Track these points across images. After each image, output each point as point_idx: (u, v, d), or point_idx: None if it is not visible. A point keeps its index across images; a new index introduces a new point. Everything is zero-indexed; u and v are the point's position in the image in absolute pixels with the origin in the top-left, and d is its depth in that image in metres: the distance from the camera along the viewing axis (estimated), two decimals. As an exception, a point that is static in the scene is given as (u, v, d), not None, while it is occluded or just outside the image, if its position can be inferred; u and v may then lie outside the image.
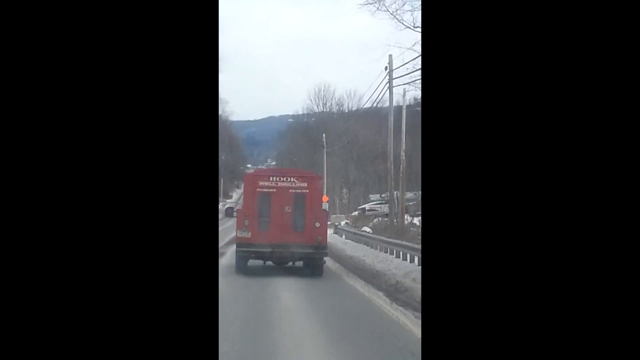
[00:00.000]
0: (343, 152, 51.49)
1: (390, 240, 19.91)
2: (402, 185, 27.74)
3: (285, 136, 78.31)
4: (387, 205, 41.15)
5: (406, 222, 27.84)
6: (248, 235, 14.79)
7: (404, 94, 29.37)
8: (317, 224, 15.00)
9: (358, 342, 7.69)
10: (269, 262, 15.57)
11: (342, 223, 36.19)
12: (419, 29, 16.73)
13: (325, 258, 16.46)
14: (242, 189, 21.42)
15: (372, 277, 14.93)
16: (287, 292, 12.37)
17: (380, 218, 36.31)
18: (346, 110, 64.78)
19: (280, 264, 15.59)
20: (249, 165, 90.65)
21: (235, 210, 16.72)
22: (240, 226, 14.95)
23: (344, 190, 58.14)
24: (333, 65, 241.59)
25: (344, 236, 29.07)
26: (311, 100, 70.16)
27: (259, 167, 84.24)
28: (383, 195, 45.26)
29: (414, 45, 19.57)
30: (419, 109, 39.35)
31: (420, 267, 14.32)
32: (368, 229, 30.44)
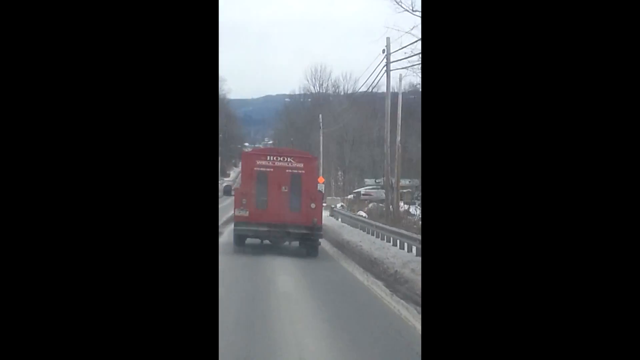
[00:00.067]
0: (339, 135, 50.98)
1: (388, 227, 19.46)
2: (398, 173, 27.33)
3: (282, 115, 77.80)
4: (382, 190, 41.01)
5: (401, 209, 27.50)
6: (246, 214, 14.69)
7: (400, 80, 28.75)
8: (313, 205, 14.94)
9: (361, 338, 7.24)
10: (266, 241, 15.43)
11: (338, 206, 35.76)
12: (418, 13, 16.15)
13: (322, 241, 16.60)
14: (240, 167, 21.30)
15: (370, 264, 14.50)
16: (285, 276, 11.91)
17: (375, 203, 35.96)
18: (342, 93, 64.34)
19: (276, 243, 15.44)
20: (246, 144, 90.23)
21: (233, 188, 16.56)
22: (238, 205, 14.83)
23: (339, 173, 57.71)
24: (330, 47, 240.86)
25: (339, 219, 28.66)
26: (308, 80, 69.68)
27: (257, 145, 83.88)
28: (378, 181, 44.94)
29: (412, 29, 19.05)
30: (413, 96, 39.12)
31: (417, 257, 14.00)
32: (364, 214, 30.03)
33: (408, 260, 13.64)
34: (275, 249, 15.63)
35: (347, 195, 45.25)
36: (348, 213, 29.22)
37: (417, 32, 18.05)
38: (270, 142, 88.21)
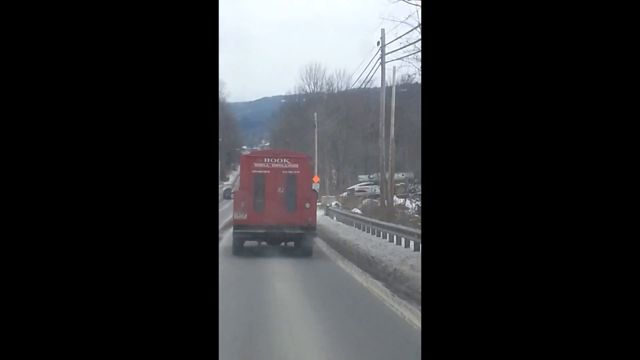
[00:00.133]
0: (333, 132, 50.26)
1: (384, 223, 18.76)
2: (392, 167, 26.59)
3: (278, 117, 77.11)
4: (376, 186, 40.37)
5: (395, 203, 26.81)
6: (244, 217, 14.42)
7: (394, 73, 27.85)
8: (307, 205, 14.71)
9: (365, 350, 6.47)
10: (263, 243, 15.25)
11: (333, 204, 35.03)
12: (414, 1, 15.38)
13: (319, 241, 16.73)
14: (239, 170, 20.93)
15: (368, 264, 13.79)
16: (281, 282, 11.13)
17: (369, 199, 35.26)
18: (336, 91, 63.66)
19: (273, 244, 15.22)
20: (245, 147, 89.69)
21: (232, 192, 16.21)
22: (237, 208, 14.57)
23: (333, 171, 56.95)
24: (324, 46, 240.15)
25: (335, 218, 27.97)
26: (303, 80, 68.82)
27: (254, 148, 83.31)
28: (372, 176, 44.26)
29: (407, 18, 18.20)
30: (405, 89, 38.36)
31: (416, 252, 13.41)
32: (358, 211, 29.33)
33: (406, 257, 12.97)
34: (271, 253, 15.09)
35: (341, 193, 44.49)
36: (343, 211, 28.53)
37: (413, 21, 17.21)
38: (267, 144, 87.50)
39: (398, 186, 32.30)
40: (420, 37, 15.12)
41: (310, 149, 44.23)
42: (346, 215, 25.99)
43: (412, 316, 7.92)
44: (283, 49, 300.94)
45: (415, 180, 33.10)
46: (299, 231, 14.63)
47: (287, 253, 15.35)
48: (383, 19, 31.92)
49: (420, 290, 8.61)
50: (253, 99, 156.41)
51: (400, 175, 35.50)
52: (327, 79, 67.33)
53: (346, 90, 57.36)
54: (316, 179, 36.57)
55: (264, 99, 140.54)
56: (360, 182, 45.52)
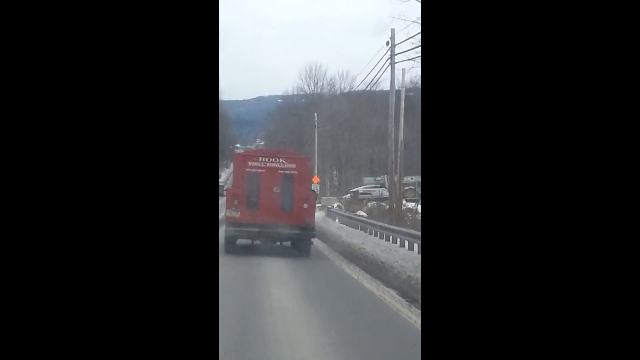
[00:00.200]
0: (335, 133, 49.45)
1: (396, 228, 17.80)
2: (401, 170, 25.69)
3: (274, 116, 76.33)
4: (382, 189, 39.53)
5: (403, 207, 25.94)
6: (237, 214, 14.63)
7: (403, 74, 27.00)
8: (305, 205, 14.86)
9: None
10: (257, 242, 15.39)
11: (335, 206, 34.09)
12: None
13: (321, 244, 16.93)
14: (231, 168, 20.53)
15: (377, 270, 12.81)
16: (281, 288, 10.09)
17: (375, 202, 34.34)
18: (338, 92, 62.95)
19: (267, 244, 15.30)
20: (238, 145, 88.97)
21: (224, 189, 16.19)
22: (229, 206, 14.76)
23: (335, 172, 56.06)
24: (325, 46, 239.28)
25: (337, 220, 27.03)
26: (302, 80, 68.12)
27: (248, 147, 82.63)
28: (378, 179, 43.43)
29: (419, 19, 17.39)
30: (413, 94, 37.66)
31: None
32: (363, 214, 28.40)
33: (420, 263, 11.94)
34: (269, 255, 14.50)
35: (343, 195, 43.58)
36: (347, 213, 27.58)
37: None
38: (262, 143, 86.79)
39: (407, 190, 31.50)
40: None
41: (308, 149, 43.40)
42: (350, 217, 25.04)
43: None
44: (282, 49, 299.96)
45: (425, 184, 32.22)
46: (296, 231, 14.73)
47: (286, 256, 14.66)
48: (393, 18, 31.05)
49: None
50: (248, 97, 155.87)
51: (409, 179, 34.63)
52: (328, 79, 66.71)
53: (350, 92, 56.66)
54: (316, 179, 35.89)
55: (260, 97, 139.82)
56: (365, 185, 44.70)
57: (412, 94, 38.19)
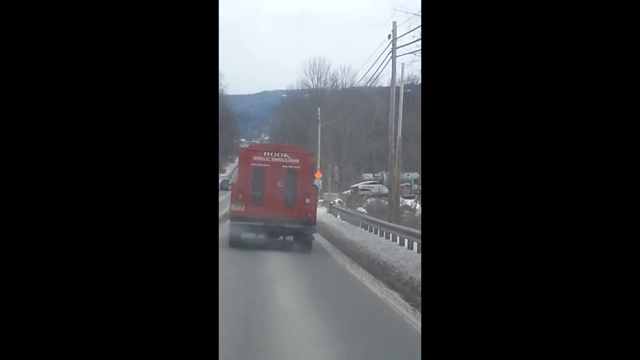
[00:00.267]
0: (336, 129, 49.07)
1: (394, 225, 17.52)
2: (398, 166, 25.36)
3: (279, 111, 75.85)
4: (380, 185, 39.20)
5: (401, 204, 25.64)
6: (242, 209, 14.48)
7: (402, 69, 26.54)
8: (308, 200, 14.75)
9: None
10: (261, 236, 15.16)
11: (336, 202, 33.79)
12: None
13: (324, 241, 16.76)
14: (236, 163, 20.33)
15: (379, 269, 12.54)
16: (285, 288, 9.83)
17: (374, 198, 34.06)
18: (340, 87, 62.45)
19: (271, 238, 15.07)
20: (243, 140, 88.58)
21: (230, 183, 15.97)
22: (234, 200, 14.64)
23: (335, 168, 55.70)
24: (329, 41, 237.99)
25: (339, 216, 26.75)
26: (306, 74, 67.56)
27: (253, 141, 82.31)
28: (376, 175, 43.13)
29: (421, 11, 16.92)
30: (409, 90, 37.26)
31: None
32: (363, 210, 28.10)
33: (420, 263, 11.69)
34: (271, 252, 14.15)
35: (344, 191, 43.27)
36: (348, 210, 27.28)
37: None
38: (267, 137, 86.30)
39: (403, 187, 31.17)
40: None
41: (311, 144, 43.04)
42: (351, 214, 24.75)
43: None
44: (286, 43, 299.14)
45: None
46: (298, 226, 14.58)
47: (290, 254, 14.32)
48: (395, 10, 30.54)
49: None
50: (253, 92, 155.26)
51: (405, 175, 34.31)
52: (331, 74, 66.20)
53: (351, 87, 56.25)
54: (318, 175, 35.55)
55: (265, 92, 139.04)
56: (364, 181, 44.35)
57: (409, 90, 37.83)
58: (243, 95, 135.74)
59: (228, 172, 72.05)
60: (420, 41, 17.91)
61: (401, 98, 25.05)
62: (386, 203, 25.72)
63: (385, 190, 31.50)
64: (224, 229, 15.80)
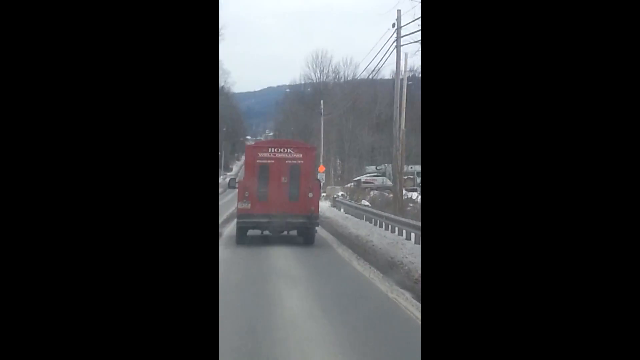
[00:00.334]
0: (338, 122, 48.25)
1: (400, 219, 16.74)
2: (402, 159, 24.59)
3: (282, 106, 75.06)
4: (384, 177, 38.39)
5: (404, 197, 24.89)
6: (248, 206, 14.22)
7: (405, 61, 25.72)
8: (310, 194, 14.45)
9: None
10: (266, 232, 14.98)
11: (339, 195, 33.03)
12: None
13: (329, 237, 16.30)
14: (242, 161, 20.01)
15: (387, 265, 11.73)
16: (291, 289, 9.06)
17: (377, 191, 33.30)
18: (342, 80, 61.62)
19: (275, 233, 14.82)
20: (248, 137, 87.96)
21: (237, 182, 15.62)
22: (240, 197, 14.40)
23: (338, 161, 54.88)
24: (331, 35, 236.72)
25: (342, 210, 25.97)
26: (309, 67, 66.77)
27: (258, 138, 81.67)
28: (379, 167, 42.32)
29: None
30: (411, 82, 36.47)
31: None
32: (367, 203, 27.34)
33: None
34: (276, 249, 13.55)
35: (347, 184, 42.49)
36: (352, 203, 26.49)
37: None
38: (271, 133, 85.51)
39: (406, 179, 30.43)
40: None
41: (315, 138, 42.27)
42: (356, 207, 23.96)
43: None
44: (289, 38, 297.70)
45: (424, 173, 31.18)
46: (302, 220, 14.34)
47: (294, 250, 13.67)
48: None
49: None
50: (258, 88, 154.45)
51: (408, 168, 33.54)
52: (333, 67, 65.35)
53: (353, 79, 55.47)
54: (322, 168, 34.92)
55: (269, 88, 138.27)
56: (367, 173, 43.54)
57: (410, 82, 37.06)
58: (248, 92, 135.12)
59: (235, 170, 71.44)
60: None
61: (404, 90, 24.28)
62: (390, 196, 24.99)
63: (388, 182, 30.76)
64: (234, 227, 15.73)
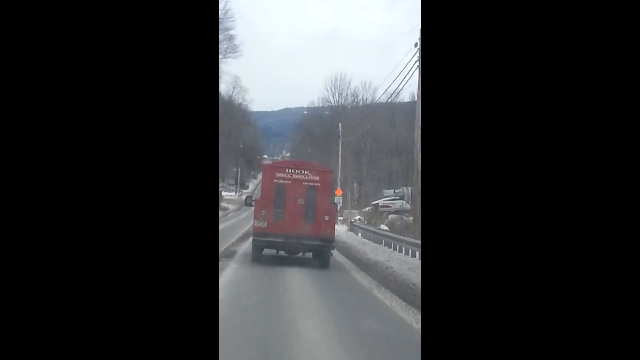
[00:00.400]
0: (356, 145, 47.86)
1: (420, 242, 16.10)
2: (418, 182, 24.05)
3: (300, 127, 74.99)
4: (402, 201, 37.76)
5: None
6: (264, 225, 14.27)
7: (419, 85, 25.31)
8: (327, 217, 14.45)
9: None
10: (282, 252, 14.99)
11: (356, 219, 32.41)
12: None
13: (346, 262, 16.17)
14: (259, 178, 19.91)
15: (410, 293, 11.10)
16: (308, 320, 8.42)
17: (395, 215, 32.67)
18: (361, 103, 61.49)
19: (291, 254, 14.88)
20: (265, 156, 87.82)
21: (253, 199, 15.53)
22: (257, 216, 14.46)
23: (355, 185, 54.31)
24: (349, 58, 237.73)
25: (360, 234, 25.35)
26: (327, 90, 66.84)
27: (275, 158, 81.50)
28: (397, 191, 41.75)
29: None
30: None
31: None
32: (385, 227, 26.72)
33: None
34: (292, 273, 13.10)
35: (364, 208, 41.86)
36: (370, 227, 25.89)
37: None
38: (288, 154, 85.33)
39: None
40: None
41: (332, 161, 41.81)
42: (374, 232, 23.35)
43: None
44: (308, 61, 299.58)
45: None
46: (317, 242, 14.34)
47: (311, 276, 13.10)
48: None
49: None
50: (276, 108, 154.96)
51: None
52: (352, 90, 65.30)
53: (372, 103, 55.16)
54: (339, 192, 34.47)
55: (287, 109, 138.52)
56: (384, 197, 42.93)
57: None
58: (266, 111, 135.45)
59: (251, 187, 71.06)
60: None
61: (418, 113, 23.81)
62: (409, 219, 24.40)
63: (408, 206, 30.12)
64: (248, 246, 15.79)
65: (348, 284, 12.69)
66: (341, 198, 34.54)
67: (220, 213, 36.66)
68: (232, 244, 19.18)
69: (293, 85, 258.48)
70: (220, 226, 24.67)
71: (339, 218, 31.67)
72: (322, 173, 15.03)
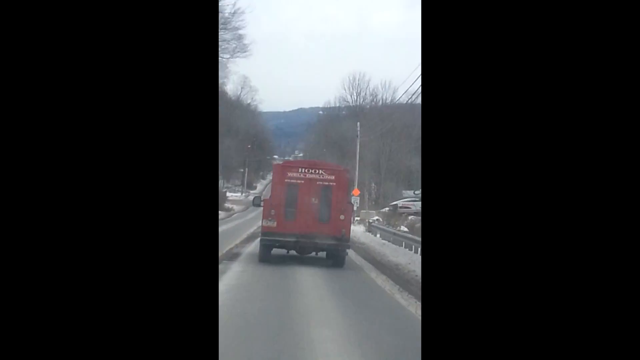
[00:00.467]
0: (375, 145, 47.03)
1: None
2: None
3: (314, 127, 74.20)
4: (421, 202, 36.82)
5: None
6: (273, 224, 14.25)
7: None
8: (342, 217, 14.40)
9: None
10: (292, 252, 15.09)
11: (374, 219, 31.50)
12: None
13: (365, 264, 16.05)
14: (269, 179, 19.57)
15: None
16: (325, 329, 7.51)
17: (414, 216, 31.70)
18: (380, 103, 60.52)
19: (302, 254, 14.95)
20: (276, 156, 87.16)
21: (262, 200, 15.45)
22: (266, 216, 14.43)
23: (372, 185, 53.39)
24: (367, 58, 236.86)
25: (378, 235, 24.46)
26: (345, 89, 65.94)
27: (286, 158, 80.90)
28: (417, 192, 40.78)
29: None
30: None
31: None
32: (405, 229, 25.81)
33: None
34: (306, 278, 12.29)
35: (382, 208, 40.93)
36: (390, 229, 24.96)
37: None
38: (301, 154, 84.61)
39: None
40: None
41: (349, 161, 40.97)
42: (394, 233, 22.45)
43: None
44: (322, 61, 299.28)
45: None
46: (332, 242, 14.30)
47: (327, 279, 12.32)
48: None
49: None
50: (288, 109, 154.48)
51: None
52: (371, 89, 64.36)
53: (392, 103, 54.29)
54: (356, 192, 33.67)
55: (300, 109, 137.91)
56: (404, 198, 42.02)
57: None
58: (278, 112, 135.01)
59: (259, 188, 70.44)
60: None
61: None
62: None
63: (428, 208, 29.15)
64: (255, 247, 15.80)
65: (369, 289, 11.82)
66: (358, 198, 33.70)
67: (224, 214, 35.90)
68: (236, 245, 18.43)
69: (307, 86, 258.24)
70: (224, 227, 23.87)
71: (356, 218, 30.79)
72: (338, 172, 14.98)
